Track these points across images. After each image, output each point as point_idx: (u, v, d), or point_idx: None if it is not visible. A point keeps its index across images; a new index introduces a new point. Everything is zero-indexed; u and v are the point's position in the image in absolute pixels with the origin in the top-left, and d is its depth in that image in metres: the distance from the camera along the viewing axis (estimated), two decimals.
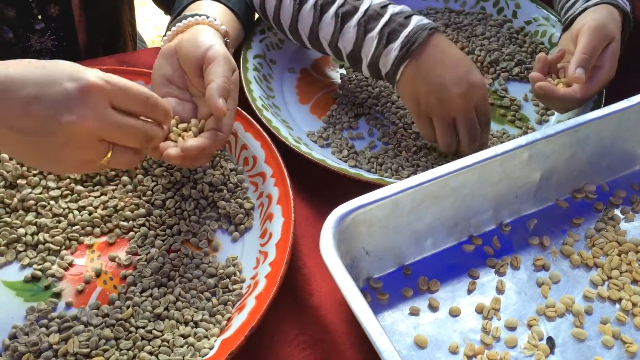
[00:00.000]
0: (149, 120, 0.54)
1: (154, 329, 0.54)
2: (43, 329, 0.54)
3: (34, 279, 0.58)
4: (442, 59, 0.66)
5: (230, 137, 0.69)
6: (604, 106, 0.67)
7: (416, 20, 0.68)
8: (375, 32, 0.68)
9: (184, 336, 0.54)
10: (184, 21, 0.65)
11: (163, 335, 0.54)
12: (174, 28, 0.66)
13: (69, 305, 0.57)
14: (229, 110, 0.58)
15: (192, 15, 0.65)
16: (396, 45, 0.67)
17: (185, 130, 0.60)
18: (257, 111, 0.71)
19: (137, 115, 0.52)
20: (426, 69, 0.66)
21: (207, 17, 0.65)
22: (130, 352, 0.53)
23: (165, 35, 0.67)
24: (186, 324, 0.55)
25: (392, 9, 0.69)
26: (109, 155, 0.51)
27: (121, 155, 0.52)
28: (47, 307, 0.56)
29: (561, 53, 0.73)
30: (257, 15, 0.83)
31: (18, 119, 0.47)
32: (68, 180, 0.64)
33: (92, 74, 0.49)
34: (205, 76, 0.59)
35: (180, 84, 0.63)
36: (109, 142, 0.51)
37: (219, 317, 0.56)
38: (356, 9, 0.69)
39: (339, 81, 0.83)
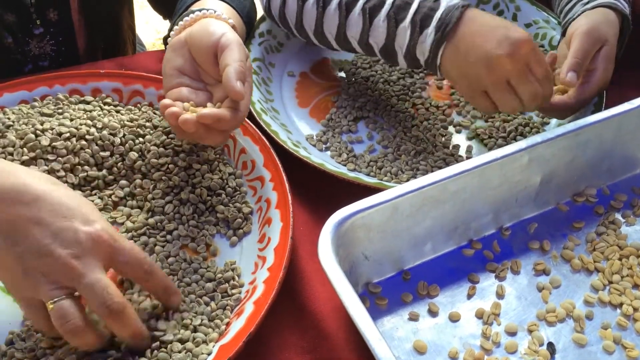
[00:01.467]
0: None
1: (157, 328, 0.54)
2: (39, 334, 0.54)
3: None
4: (479, 30, 0.64)
5: (228, 140, 0.69)
6: (605, 109, 0.67)
7: (446, 1, 0.66)
8: (407, 21, 0.67)
9: (181, 341, 0.54)
10: (191, 15, 0.65)
11: (165, 335, 0.53)
12: (181, 22, 0.66)
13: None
14: (245, 93, 0.58)
15: (200, 10, 0.65)
16: (430, 30, 0.66)
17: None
18: (255, 115, 0.71)
19: (134, 278, 0.51)
20: (465, 44, 0.64)
21: (215, 11, 0.65)
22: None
23: (172, 30, 0.67)
24: (186, 327, 0.55)
25: None
26: (53, 302, 0.47)
27: (63, 309, 0.47)
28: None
29: (552, 59, 0.73)
30: (257, 18, 0.83)
31: (17, 233, 0.46)
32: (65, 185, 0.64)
33: (103, 227, 0.49)
34: (221, 61, 0.60)
35: (192, 74, 0.63)
36: (69, 291, 0.47)
37: (217, 321, 0.55)
38: (383, 2, 0.69)
39: (339, 84, 0.83)
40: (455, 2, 0.66)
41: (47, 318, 0.48)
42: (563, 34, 0.76)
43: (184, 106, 0.60)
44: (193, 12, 0.66)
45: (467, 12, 0.66)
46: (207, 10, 0.66)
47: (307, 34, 0.76)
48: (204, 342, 0.53)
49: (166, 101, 0.59)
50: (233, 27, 0.66)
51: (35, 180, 0.49)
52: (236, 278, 0.59)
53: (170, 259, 0.60)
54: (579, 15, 0.73)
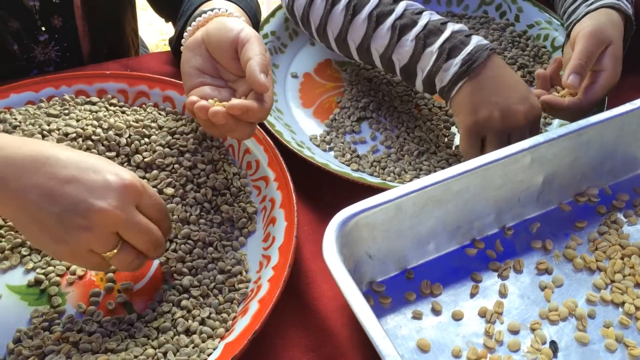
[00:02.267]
0: None
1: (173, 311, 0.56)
2: (47, 332, 0.54)
3: (37, 282, 0.58)
4: (504, 79, 0.67)
5: (233, 141, 0.69)
6: (607, 110, 0.67)
7: (477, 40, 0.68)
8: (435, 46, 0.68)
9: (188, 333, 0.54)
10: (203, 15, 0.66)
11: (183, 317, 0.55)
12: (194, 23, 0.66)
13: (73, 308, 0.57)
14: (269, 85, 0.59)
15: (212, 10, 0.66)
16: (457, 61, 0.66)
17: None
18: None
19: (152, 220, 0.54)
20: (489, 86, 0.66)
21: (227, 10, 0.66)
22: (138, 348, 0.53)
23: (185, 31, 0.67)
24: (194, 318, 0.55)
25: (452, 26, 0.69)
26: (115, 251, 0.52)
27: (127, 254, 0.52)
28: (51, 310, 0.56)
29: (557, 63, 0.73)
30: (262, 19, 0.84)
31: (52, 194, 0.49)
32: None
33: (130, 174, 0.52)
34: (242, 55, 0.60)
35: (212, 72, 0.64)
36: (120, 239, 0.52)
37: (224, 315, 0.56)
38: (415, 23, 0.69)
39: (342, 85, 0.83)
40: (485, 42, 0.68)
41: (100, 261, 0.52)
42: (567, 36, 0.76)
43: (208, 102, 0.60)
44: (205, 12, 0.66)
45: (494, 56, 0.67)
46: (219, 9, 0.66)
47: (329, 39, 0.76)
48: (210, 337, 0.54)
49: (193, 97, 0.60)
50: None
51: (53, 146, 0.53)
52: (244, 273, 0.59)
53: (192, 247, 0.61)
54: (582, 16, 0.73)
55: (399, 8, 0.71)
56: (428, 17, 0.70)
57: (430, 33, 0.68)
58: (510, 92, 0.66)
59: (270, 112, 0.72)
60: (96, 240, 0.50)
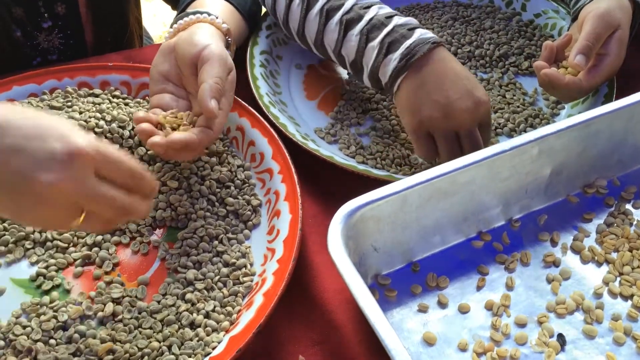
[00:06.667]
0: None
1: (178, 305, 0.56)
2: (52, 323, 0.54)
3: (41, 275, 0.58)
4: (446, 74, 0.63)
5: (237, 133, 0.69)
6: (615, 100, 0.66)
7: (419, 33, 0.65)
8: (376, 41, 0.66)
9: (193, 326, 0.54)
10: (185, 19, 0.66)
11: (188, 310, 0.55)
12: (175, 25, 0.66)
13: (78, 300, 0.57)
14: (221, 110, 0.59)
15: (194, 13, 0.65)
16: (396, 56, 0.64)
17: (177, 124, 0.61)
18: (264, 108, 0.71)
19: (122, 186, 0.49)
20: (429, 83, 0.63)
21: (209, 15, 0.65)
22: (143, 340, 0.53)
23: (167, 33, 0.67)
24: (198, 311, 0.55)
25: (397, 20, 0.67)
26: (81, 219, 0.48)
27: (94, 222, 0.49)
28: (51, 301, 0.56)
29: (567, 38, 0.72)
30: (263, 11, 0.83)
31: None
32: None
33: (83, 139, 0.46)
34: (199, 76, 0.60)
35: (177, 81, 0.64)
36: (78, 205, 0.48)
37: (229, 308, 0.56)
38: (361, 17, 0.68)
39: (346, 77, 0.83)
40: (429, 35, 0.65)
41: (71, 225, 0.48)
42: (574, 19, 0.75)
43: (158, 118, 0.60)
44: (188, 15, 0.66)
45: (437, 50, 0.64)
46: (202, 13, 0.65)
47: (292, 33, 0.76)
48: (215, 330, 0.54)
49: (140, 114, 0.60)
50: (227, 31, 0.66)
51: (10, 109, 0.47)
52: (248, 266, 0.59)
53: (198, 241, 0.60)
54: (590, 1, 0.72)
55: (349, 2, 0.69)
56: (375, 11, 0.68)
57: (373, 27, 0.66)
58: (452, 88, 0.62)
59: (274, 104, 0.72)
60: (55, 212, 0.47)
